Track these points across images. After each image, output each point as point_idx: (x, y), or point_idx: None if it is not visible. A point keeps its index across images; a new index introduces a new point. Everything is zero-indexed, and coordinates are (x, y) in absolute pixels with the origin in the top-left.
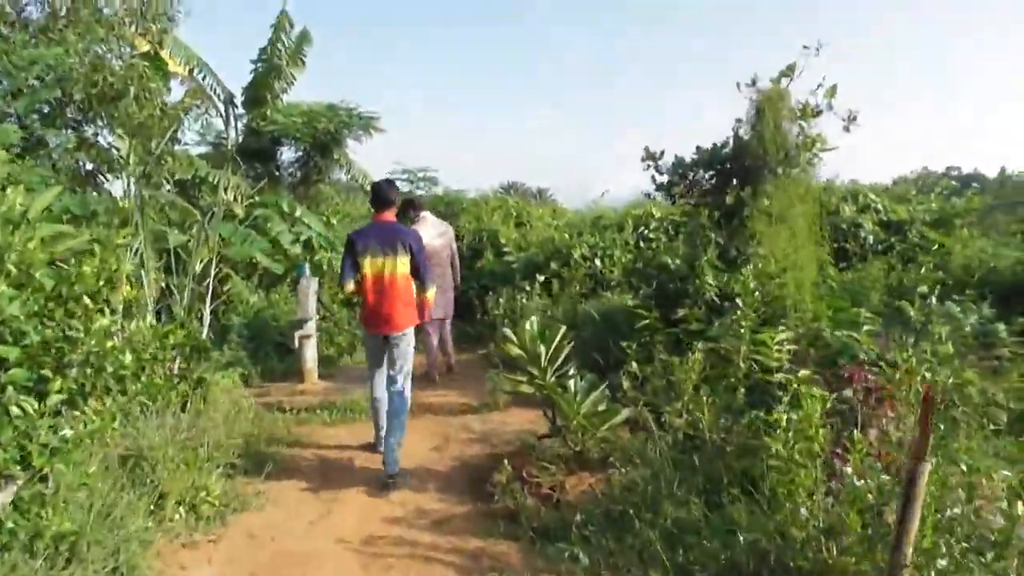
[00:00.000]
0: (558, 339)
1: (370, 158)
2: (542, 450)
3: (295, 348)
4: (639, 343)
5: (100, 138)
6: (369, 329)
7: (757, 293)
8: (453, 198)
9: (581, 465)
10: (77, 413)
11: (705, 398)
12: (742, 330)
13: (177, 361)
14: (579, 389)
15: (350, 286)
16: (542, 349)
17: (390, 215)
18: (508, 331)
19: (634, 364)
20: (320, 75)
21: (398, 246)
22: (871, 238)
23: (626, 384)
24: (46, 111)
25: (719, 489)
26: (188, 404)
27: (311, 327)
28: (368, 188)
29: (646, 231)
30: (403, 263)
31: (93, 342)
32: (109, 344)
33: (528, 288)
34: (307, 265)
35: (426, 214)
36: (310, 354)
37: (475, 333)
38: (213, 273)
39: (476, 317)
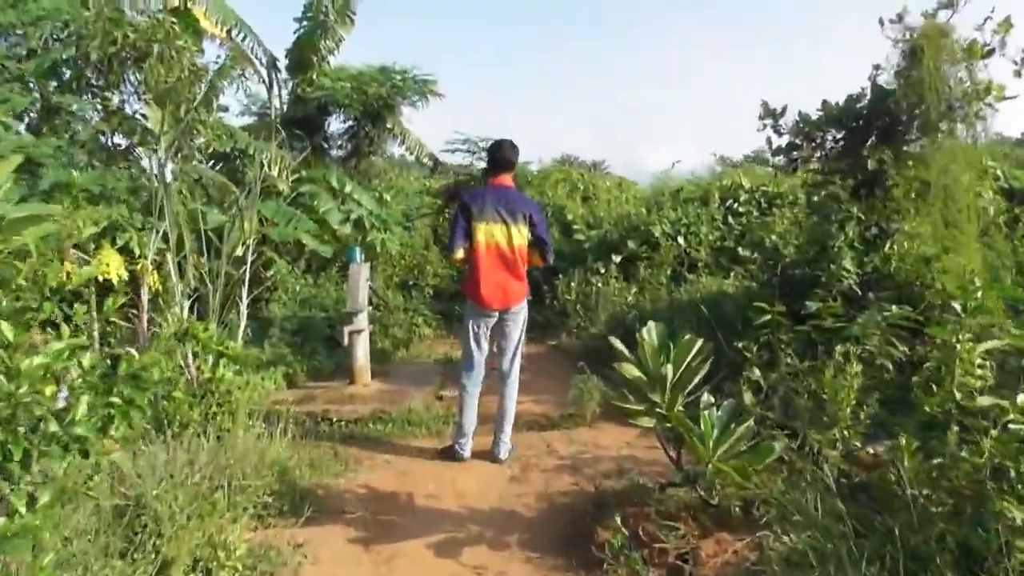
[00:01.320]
0: (692, 355)
1: (426, 129)
2: (661, 498)
3: (345, 345)
4: (758, 343)
5: (127, 106)
6: (477, 303)
7: (978, 294)
8: (515, 171)
9: (718, 522)
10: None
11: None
12: (956, 343)
13: (199, 368)
14: (715, 421)
15: (459, 254)
16: (668, 370)
17: (508, 179)
18: (620, 345)
19: (756, 371)
20: (369, 41)
21: (517, 214)
22: (991, 208)
23: (748, 398)
24: (65, 75)
25: (927, 568)
26: (209, 427)
27: (362, 320)
28: (425, 160)
29: (735, 204)
30: (521, 232)
31: (22, 389)
32: (49, 389)
33: (602, 270)
34: (358, 249)
35: None
36: (361, 351)
37: (543, 320)
38: (250, 258)
39: (544, 303)
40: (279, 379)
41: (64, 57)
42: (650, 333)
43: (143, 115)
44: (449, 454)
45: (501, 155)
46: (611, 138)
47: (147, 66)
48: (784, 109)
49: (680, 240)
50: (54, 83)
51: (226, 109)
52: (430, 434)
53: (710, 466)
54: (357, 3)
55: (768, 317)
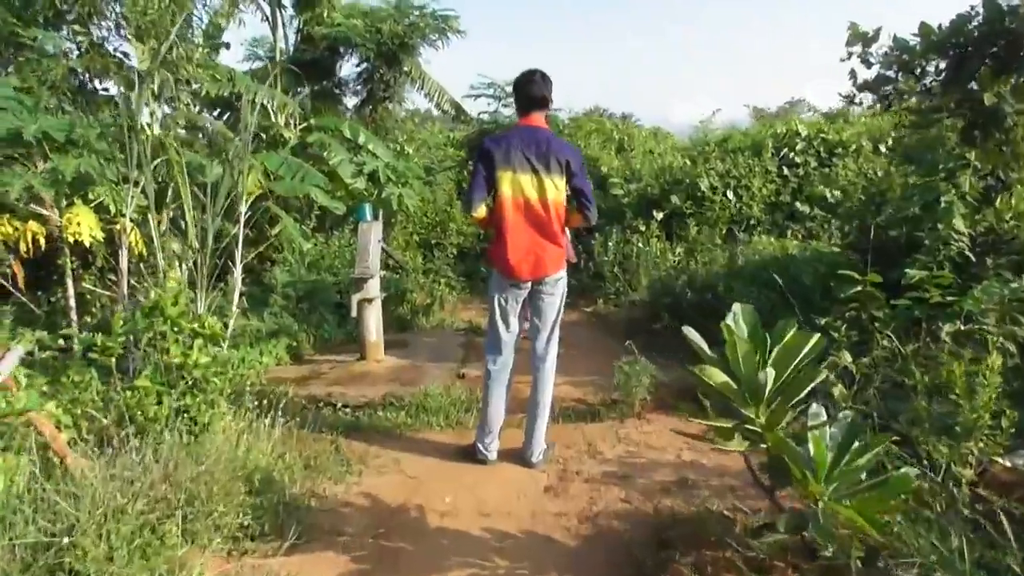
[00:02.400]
0: (803, 354)
1: (446, 76)
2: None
3: (353, 316)
4: (845, 320)
5: (107, 44)
6: (504, 273)
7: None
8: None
9: None
10: None
11: None
12: None
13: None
14: (830, 443)
15: (480, 211)
16: (768, 375)
17: (540, 119)
18: (698, 339)
19: (846, 355)
20: None
21: (551, 161)
22: None
23: (837, 391)
24: (35, 6)
25: None
26: (179, 423)
27: (374, 287)
28: (446, 107)
29: (791, 154)
30: (556, 185)
31: None
32: None
33: (643, 229)
34: (368, 206)
35: None
36: (373, 323)
37: (578, 285)
38: (244, 216)
39: (578, 264)
40: (281, 353)
41: None
42: (738, 321)
43: (124, 53)
44: (471, 454)
45: (530, 88)
46: (637, 91)
47: None
48: (877, 33)
49: (729, 195)
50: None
51: (227, 46)
52: (449, 424)
53: (821, 504)
54: None
55: (858, 288)
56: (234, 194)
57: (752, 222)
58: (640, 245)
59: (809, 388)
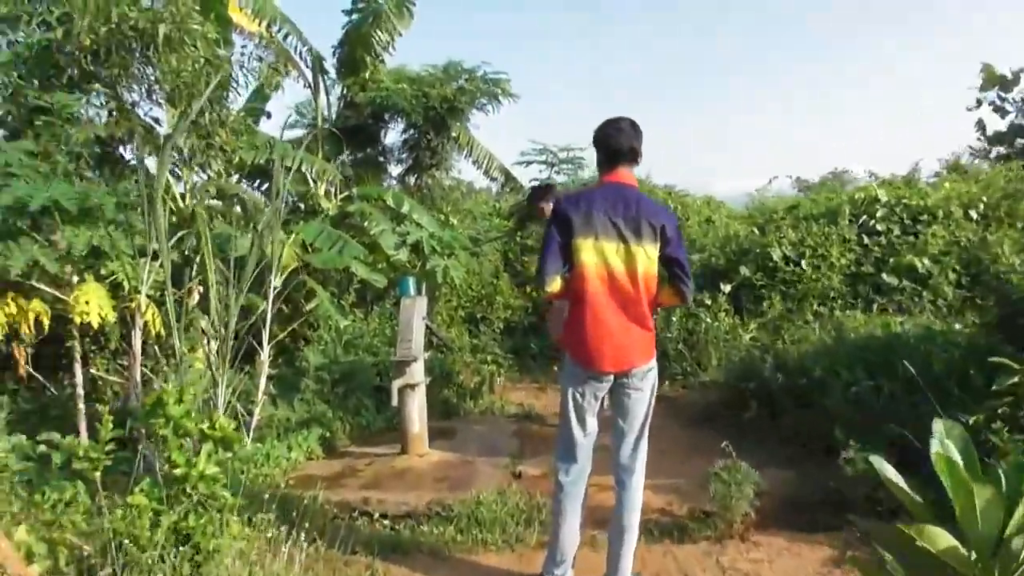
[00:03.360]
0: None
1: (494, 139)
2: None
3: (394, 404)
4: (1001, 417)
5: (139, 108)
6: (581, 363)
7: None
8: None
9: None
10: None
11: None
12: None
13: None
14: None
15: (555, 285)
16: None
17: (628, 175)
18: (894, 474)
19: None
20: (421, 49)
21: (643, 225)
22: None
23: None
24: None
25: None
26: (174, 554)
27: (418, 371)
28: (495, 174)
29: (871, 221)
30: (648, 254)
31: None
32: None
33: (709, 302)
34: (411, 279)
35: None
36: (416, 412)
37: None
38: (273, 293)
39: None
40: (313, 445)
41: (46, 43)
42: (946, 446)
43: (155, 119)
44: None
45: (617, 139)
46: (679, 162)
47: (153, 53)
48: (1017, 75)
49: (804, 265)
50: (46, 77)
51: (268, 115)
52: (507, 542)
53: None
54: None
55: (1015, 380)
56: (263, 266)
57: (832, 295)
58: (708, 320)
59: None
